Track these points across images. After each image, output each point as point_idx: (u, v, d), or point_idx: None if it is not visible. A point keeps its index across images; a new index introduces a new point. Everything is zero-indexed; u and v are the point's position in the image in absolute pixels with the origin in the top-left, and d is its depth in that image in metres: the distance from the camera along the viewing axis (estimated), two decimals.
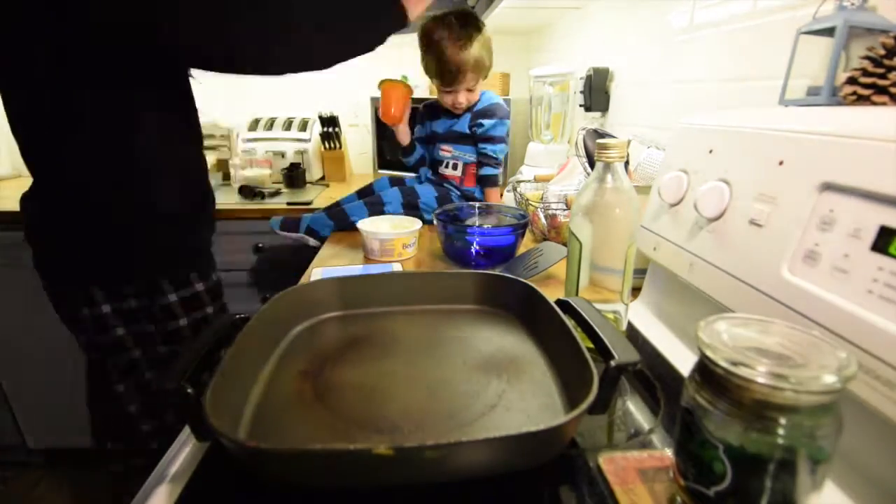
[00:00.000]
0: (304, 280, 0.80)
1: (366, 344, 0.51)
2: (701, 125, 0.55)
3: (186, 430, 0.42)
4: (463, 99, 1.09)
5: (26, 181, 0.83)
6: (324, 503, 0.36)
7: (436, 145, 1.18)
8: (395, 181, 1.20)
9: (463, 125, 1.14)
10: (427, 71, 1.10)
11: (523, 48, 1.96)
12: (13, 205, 1.44)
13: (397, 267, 0.87)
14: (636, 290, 0.69)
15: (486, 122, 1.11)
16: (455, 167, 1.17)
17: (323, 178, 1.87)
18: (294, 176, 1.65)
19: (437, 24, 1.03)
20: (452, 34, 1.01)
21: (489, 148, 1.13)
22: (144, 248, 0.78)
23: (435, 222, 0.90)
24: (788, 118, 0.44)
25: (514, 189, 1.15)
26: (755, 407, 0.27)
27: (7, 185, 1.71)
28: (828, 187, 0.37)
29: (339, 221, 1.09)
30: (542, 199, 1.03)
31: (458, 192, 1.17)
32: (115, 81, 0.67)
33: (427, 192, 1.14)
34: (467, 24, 1.03)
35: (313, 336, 0.53)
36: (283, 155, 1.75)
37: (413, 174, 1.28)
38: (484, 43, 1.05)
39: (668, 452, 0.39)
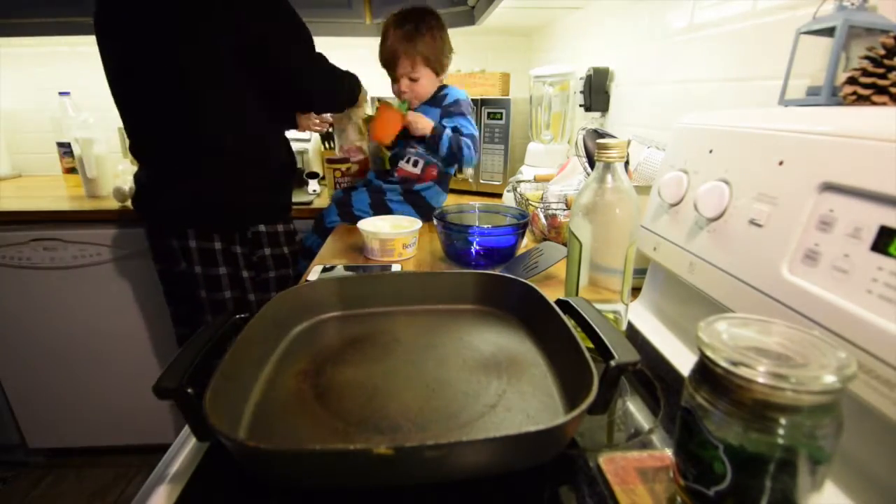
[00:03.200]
0: (304, 280, 0.80)
1: (366, 344, 0.51)
2: (701, 125, 0.55)
3: (186, 429, 0.42)
4: (405, 87, 1.13)
5: (27, 181, 0.84)
6: (324, 503, 0.36)
7: (405, 140, 1.19)
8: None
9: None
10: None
11: (523, 48, 1.96)
12: (14, 205, 1.44)
13: (397, 267, 0.87)
14: (636, 290, 0.69)
15: (450, 121, 1.15)
16: (416, 164, 1.18)
17: (323, 177, 1.87)
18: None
19: (392, 15, 1.12)
20: (396, 22, 1.10)
21: (459, 123, 1.16)
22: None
23: (435, 222, 0.90)
24: (788, 118, 0.44)
25: (514, 189, 1.15)
26: (755, 407, 0.27)
27: (7, 186, 1.71)
28: (828, 187, 0.37)
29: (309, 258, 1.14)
30: (542, 199, 1.03)
31: (399, 198, 1.17)
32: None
33: (360, 199, 1.17)
34: (412, 14, 1.10)
35: (313, 336, 0.53)
36: None
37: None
38: (426, 33, 1.09)
39: (668, 452, 0.39)
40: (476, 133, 1.17)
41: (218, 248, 1.04)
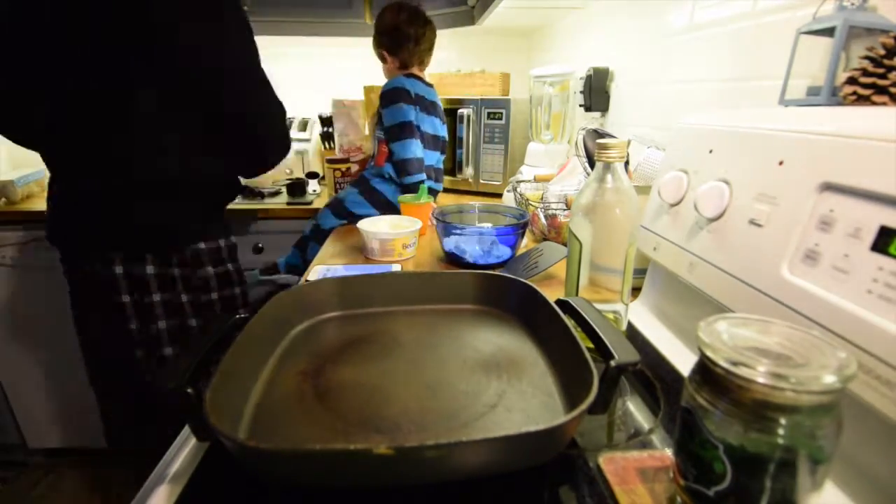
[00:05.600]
0: (304, 280, 0.80)
1: (366, 344, 0.51)
2: (701, 125, 0.55)
3: (186, 430, 0.42)
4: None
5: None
6: (324, 503, 0.36)
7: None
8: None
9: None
10: None
11: (523, 48, 1.96)
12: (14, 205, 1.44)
13: (397, 267, 0.87)
14: (636, 290, 0.69)
15: (383, 110, 1.17)
16: (377, 145, 1.21)
17: (322, 177, 1.87)
18: (295, 185, 1.62)
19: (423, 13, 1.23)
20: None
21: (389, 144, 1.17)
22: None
23: (435, 223, 0.90)
24: (788, 118, 0.44)
25: (514, 189, 1.15)
26: (755, 407, 0.27)
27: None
28: (828, 187, 0.37)
29: (305, 255, 1.19)
30: (542, 199, 1.03)
31: (381, 186, 1.19)
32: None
33: (350, 194, 1.20)
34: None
35: (313, 336, 0.53)
36: None
37: None
38: (385, 21, 1.20)
39: (668, 452, 0.39)
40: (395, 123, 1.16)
41: (151, 272, 0.88)
